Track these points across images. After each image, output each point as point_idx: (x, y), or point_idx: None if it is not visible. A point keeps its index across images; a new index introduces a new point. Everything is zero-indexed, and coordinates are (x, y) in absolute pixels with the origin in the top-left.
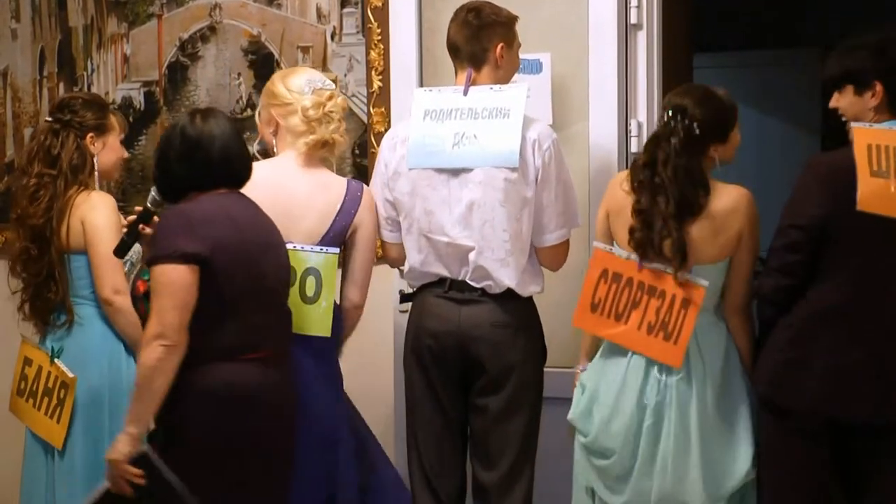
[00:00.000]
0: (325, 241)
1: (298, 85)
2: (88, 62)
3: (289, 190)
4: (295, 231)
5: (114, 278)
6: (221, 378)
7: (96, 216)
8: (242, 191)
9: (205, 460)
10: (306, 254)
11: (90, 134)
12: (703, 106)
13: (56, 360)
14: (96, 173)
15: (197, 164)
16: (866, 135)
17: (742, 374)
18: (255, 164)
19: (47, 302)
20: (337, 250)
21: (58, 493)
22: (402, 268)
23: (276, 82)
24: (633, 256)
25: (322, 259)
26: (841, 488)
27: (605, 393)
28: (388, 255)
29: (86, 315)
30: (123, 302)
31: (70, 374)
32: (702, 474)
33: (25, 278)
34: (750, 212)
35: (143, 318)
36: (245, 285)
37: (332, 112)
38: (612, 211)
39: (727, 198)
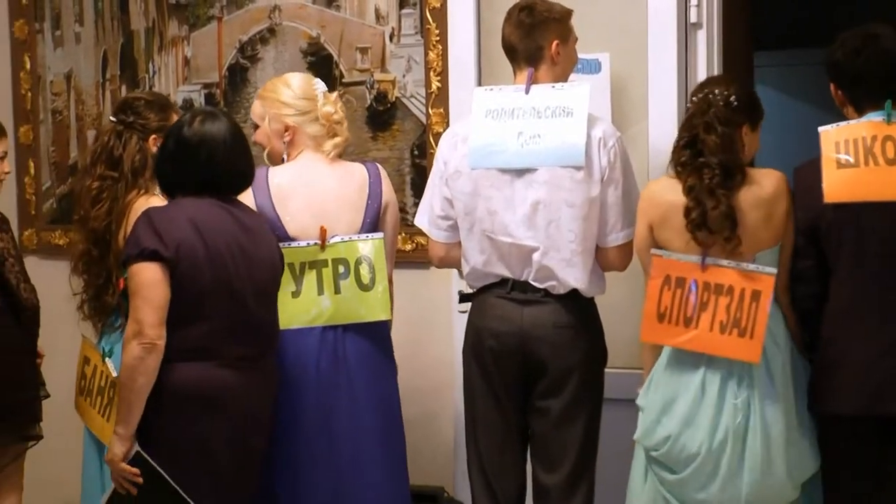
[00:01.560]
0: (366, 227)
1: (308, 92)
2: (150, 64)
3: (322, 188)
4: (336, 226)
5: None
6: (184, 379)
7: None
8: (282, 191)
9: (169, 460)
10: (355, 243)
11: (153, 136)
12: (735, 84)
13: (107, 359)
14: None
15: (182, 166)
16: (831, 135)
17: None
18: (280, 168)
19: (105, 304)
20: (381, 235)
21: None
22: (460, 268)
23: (283, 92)
24: (695, 258)
25: (370, 245)
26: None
27: (679, 403)
28: (433, 254)
29: None
30: None
31: (114, 374)
32: (786, 465)
33: (86, 280)
34: (789, 192)
35: (122, 312)
36: (209, 289)
37: (342, 108)
38: (655, 222)
39: (770, 181)
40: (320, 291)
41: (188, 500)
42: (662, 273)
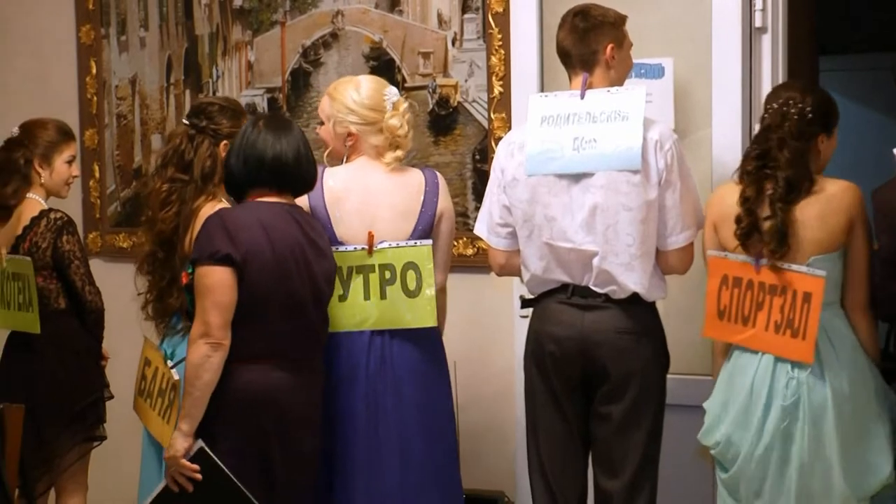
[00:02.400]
0: (416, 234)
1: (378, 102)
2: (214, 69)
3: (375, 193)
4: (387, 231)
5: None
6: (243, 381)
7: None
8: (335, 192)
9: (226, 460)
10: (402, 249)
11: (224, 142)
12: (812, 93)
13: (168, 361)
14: None
15: (249, 164)
16: None
17: (874, 367)
18: (336, 170)
19: (167, 306)
20: (430, 242)
21: None
22: (521, 276)
23: (352, 98)
24: (749, 259)
25: (417, 252)
26: None
27: (733, 404)
28: (494, 262)
29: None
30: None
31: (176, 377)
32: (843, 471)
33: (151, 281)
34: (857, 201)
35: (184, 308)
36: (273, 293)
37: (410, 122)
38: (718, 222)
39: (833, 186)
40: (366, 296)
41: (248, 496)
42: (720, 273)
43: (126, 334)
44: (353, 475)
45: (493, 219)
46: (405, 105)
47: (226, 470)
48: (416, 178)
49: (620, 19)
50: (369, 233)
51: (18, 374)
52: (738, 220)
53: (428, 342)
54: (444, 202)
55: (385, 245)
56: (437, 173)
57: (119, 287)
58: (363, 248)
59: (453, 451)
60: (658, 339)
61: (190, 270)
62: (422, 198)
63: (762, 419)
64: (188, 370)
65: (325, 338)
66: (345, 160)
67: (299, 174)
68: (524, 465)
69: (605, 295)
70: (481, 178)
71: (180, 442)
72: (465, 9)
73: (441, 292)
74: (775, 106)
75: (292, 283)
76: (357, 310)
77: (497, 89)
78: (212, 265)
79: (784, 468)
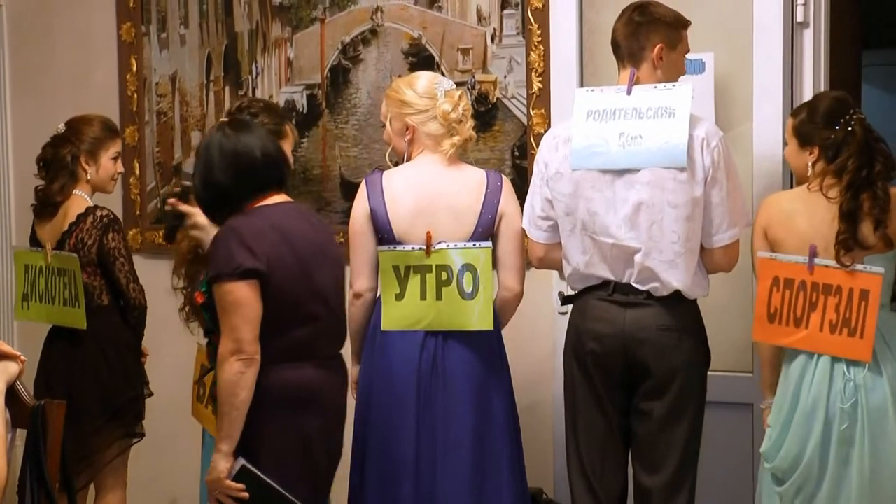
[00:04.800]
0: (476, 235)
1: (429, 90)
2: (253, 66)
3: (434, 192)
4: (445, 231)
5: None
6: (283, 381)
7: None
8: (395, 188)
9: (272, 464)
10: (460, 251)
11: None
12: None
13: None
14: None
15: (242, 170)
16: None
17: None
18: (396, 170)
19: None
20: (489, 244)
21: None
22: (560, 269)
23: (405, 91)
24: (801, 259)
25: (476, 254)
26: None
27: (793, 417)
28: (533, 254)
29: None
30: None
31: None
32: None
33: (194, 280)
34: None
35: (203, 328)
36: (298, 295)
37: (467, 110)
38: (773, 222)
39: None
40: (423, 297)
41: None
42: (771, 275)
43: (165, 331)
44: (402, 475)
45: (535, 211)
46: (459, 92)
47: (272, 483)
48: (477, 177)
49: (679, 21)
50: (427, 233)
51: (59, 369)
52: (838, 234)
53: (485, 344)
54: (506, 204)
55: (443, 246)
56: (503, 176)
57: (158, 284)
58: (421, 248)
59: (509, 455)
60: (699, 337)
61: (204, 289)
62: (482, 198)
63: (824, 425)
64: (222, 389)
65: (346, 331)
66: (406, 158)
67: (284, 165)
68: (563, 462)
69: (647, 292)
70: (521, 175)
71: (222, 464)
72: (504, 5)
73: (515, 298)
74: (859, 117)
75: (315, 281)
76: (413, 310)
77: (536, 85)
78: (235, 280)
79: (844, 471)
